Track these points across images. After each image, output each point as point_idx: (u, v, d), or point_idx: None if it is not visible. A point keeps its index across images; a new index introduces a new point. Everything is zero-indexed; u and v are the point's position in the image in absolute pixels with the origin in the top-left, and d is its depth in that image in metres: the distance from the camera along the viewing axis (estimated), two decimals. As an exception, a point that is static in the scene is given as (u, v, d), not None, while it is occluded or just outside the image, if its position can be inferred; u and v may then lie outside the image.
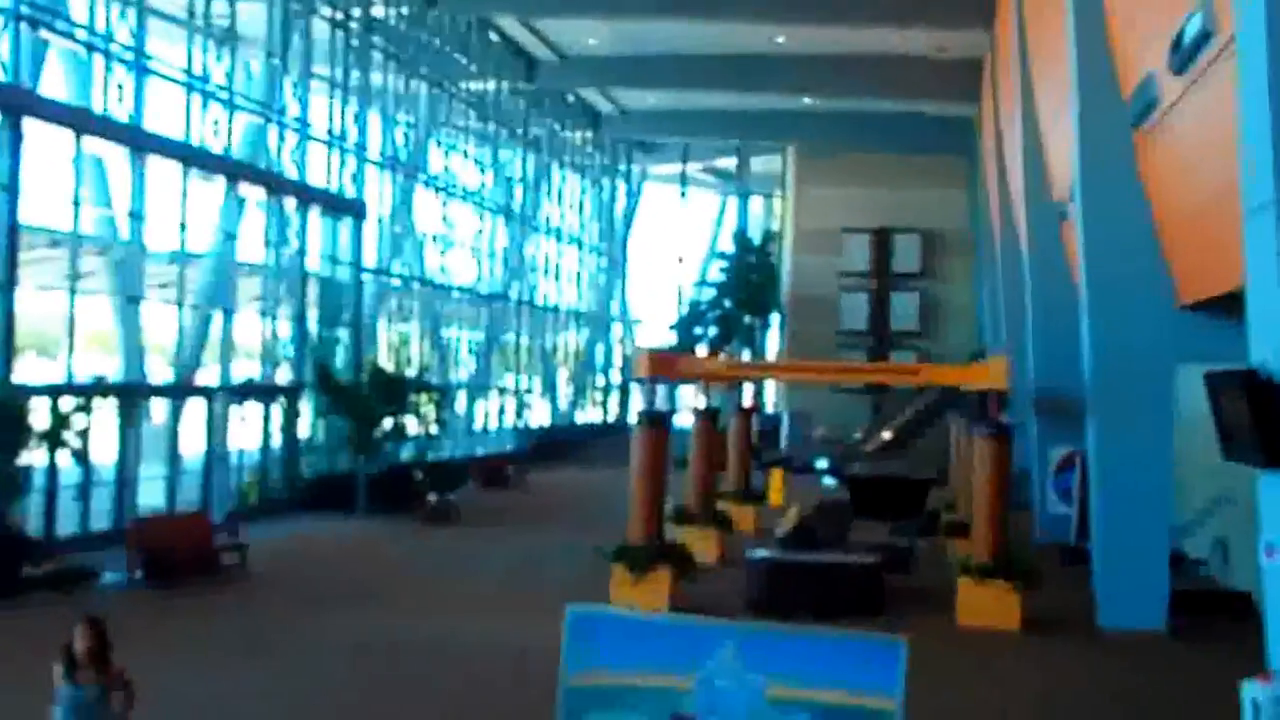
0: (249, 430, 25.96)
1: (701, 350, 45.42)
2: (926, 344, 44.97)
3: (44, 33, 20.86)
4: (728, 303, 47.18)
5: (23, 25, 19.90)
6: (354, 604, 16.72)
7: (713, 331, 47.07)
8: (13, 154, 19.13)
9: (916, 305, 45.86)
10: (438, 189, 35.81)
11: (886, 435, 36.70)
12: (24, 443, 17.63)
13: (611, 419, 50.60)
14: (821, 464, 38.65)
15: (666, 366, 19.95)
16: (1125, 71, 15.99)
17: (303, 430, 28.00)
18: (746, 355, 46.57)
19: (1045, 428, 24.35)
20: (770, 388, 48.88)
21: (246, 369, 26.86)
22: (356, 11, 30.72)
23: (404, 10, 33.10)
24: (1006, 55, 28.09)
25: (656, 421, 17.94)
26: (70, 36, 21.45)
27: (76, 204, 20.87)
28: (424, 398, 30.13)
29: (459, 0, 34.63)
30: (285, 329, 27.53)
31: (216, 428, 24.35)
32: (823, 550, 18.33)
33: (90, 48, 21.89)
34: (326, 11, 29.64)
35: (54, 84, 21.45)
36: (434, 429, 30.64)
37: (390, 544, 22.95)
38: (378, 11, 31.74)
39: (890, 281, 46.12)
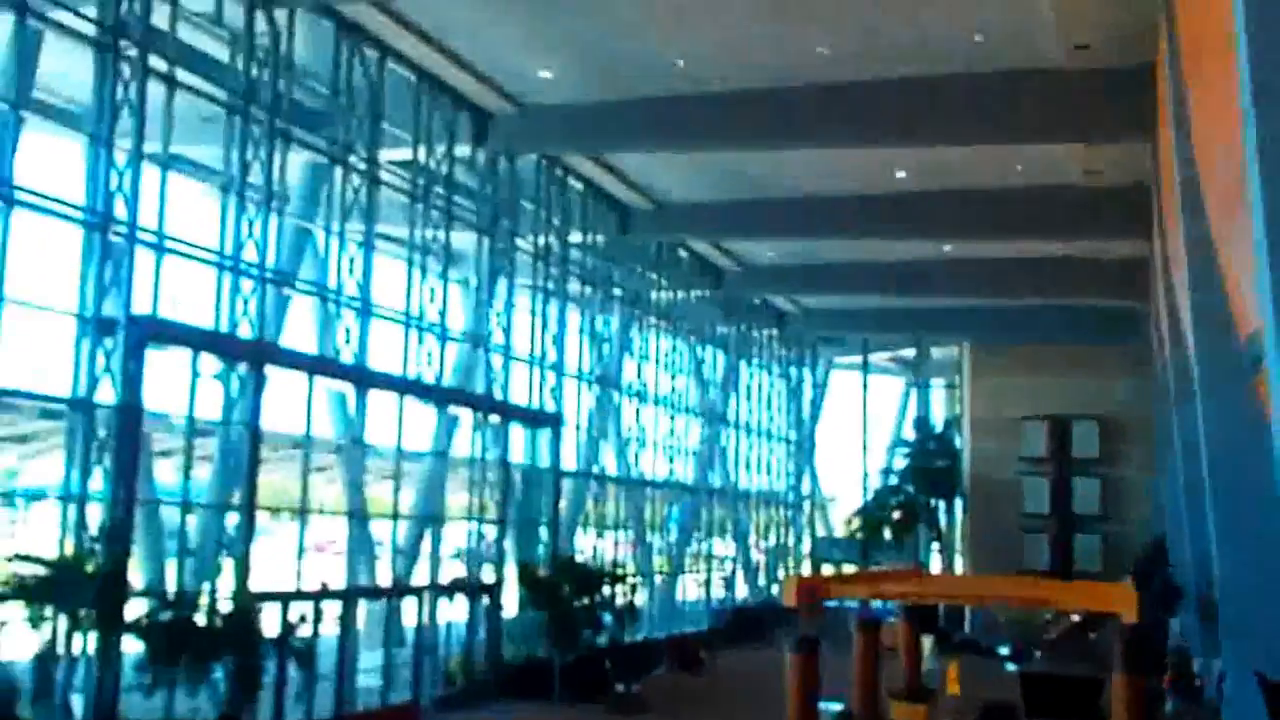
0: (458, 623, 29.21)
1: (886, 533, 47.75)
2: (1110, 526, 46.06)
3: (285, 290, 25.20)
4: (911, 488, 49.05)
5: (268, 286, 24.15)
6: None
7: (896, 515, 48.95)
8: (256, 394, 23.01)
9: (1098, 490, 46.93)
10: (632, 395, 39.40)
11: (1075, 618, 37.53)
12: (257, 646, 20.99)
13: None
14: (1004, 650, 39.79)
15: (817, 589, 21.33)
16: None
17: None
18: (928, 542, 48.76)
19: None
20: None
21: (456, 569, 30.29)
22: (555, 243, 34.76)
23: (599, 238, 37.08)
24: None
25: (808, 647, 18.82)
26: (308, 292, 25.80)
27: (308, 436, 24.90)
28: (618, 586, 33.09)
29: (649, 226, 38.41)
30: (490, 530, 30.88)
31: (424, 623, 27.56)
32: None
33: (323, 298, 26.18)
34: (528, 242, 33.73)
35: (296, 331, 25.84)
36: (625, 616, 33.17)
37: None
38: (574, 238, 35.82)
39: (1070, 466, 47.34)
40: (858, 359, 55.67)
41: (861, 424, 55.20)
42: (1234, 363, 16.48)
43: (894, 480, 50.33)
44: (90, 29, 20.42)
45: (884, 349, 56.39)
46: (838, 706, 23.18)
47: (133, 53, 20.67)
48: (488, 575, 30.35)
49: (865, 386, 55.41)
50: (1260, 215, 7.88)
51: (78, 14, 20.35)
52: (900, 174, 33.66)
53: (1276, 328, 7.95)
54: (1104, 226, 34.41)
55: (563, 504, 34.12)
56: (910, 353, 55.73)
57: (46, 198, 19.62)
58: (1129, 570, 36.91)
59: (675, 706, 29.05)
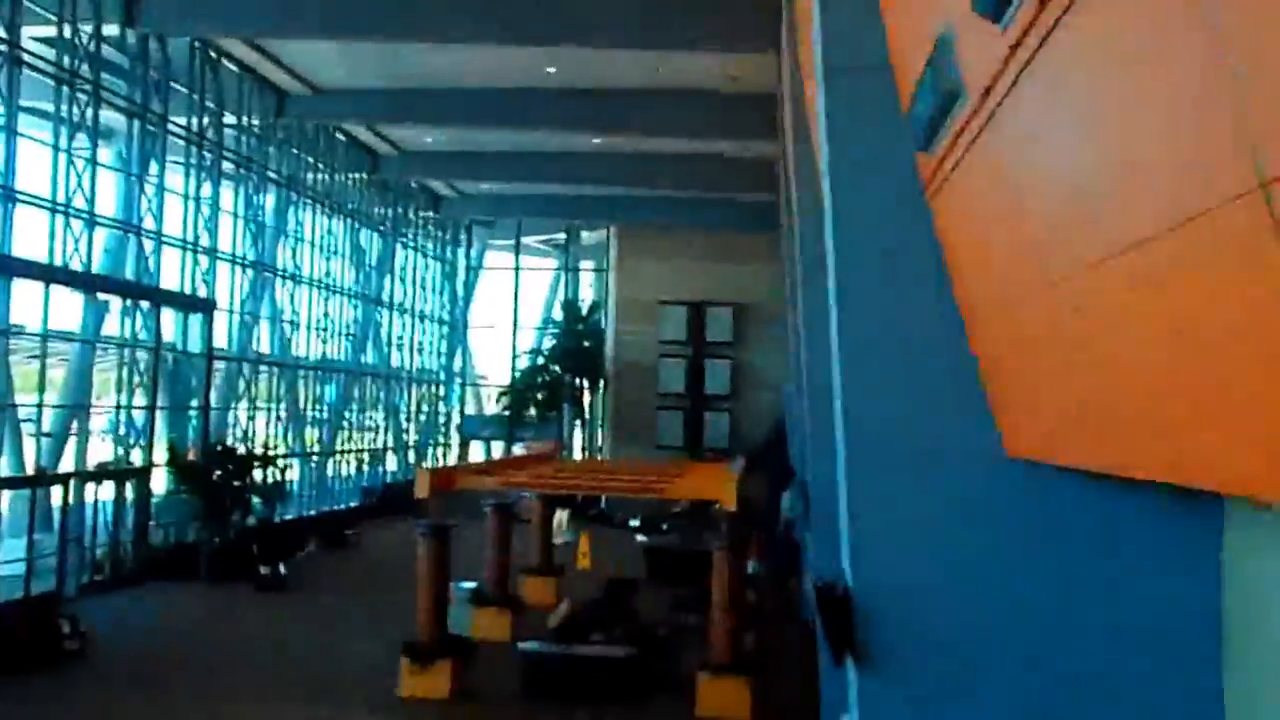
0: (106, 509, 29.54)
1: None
2: (738, 406, 49.59)
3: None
4: (558, 367, 51.29)
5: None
6: (166, 689, 19.53)
7: (541, 395, 51.17)
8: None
9: (729, 372, 50.18)
10: (287, 278, 39.87)
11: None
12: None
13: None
14: (635, 523, 42.90)
15: (446, 481, 22.06)
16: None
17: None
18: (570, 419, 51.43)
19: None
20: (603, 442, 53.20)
21: (103, 452, 30.53)
22: (209, 126, 34.65)
23: (254, 120, 37.12)
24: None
25: (438, 534, 20.40)
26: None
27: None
28: (268, 468, 34.00)
29: (306, 111, 38.63)
30: (139, 415, 31.16)
31: (73, 511, 27.86)
32: (588, 643, 20.49)
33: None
34: (180, 124, 33.52)
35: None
36: (275, 496, 34.15)
37: (219, 618, 25.90)
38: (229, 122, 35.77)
39: (705, 350, 50.37)
40: (511, 242, 57.25)
41: (513, 306, 56.93)
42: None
43: (542, 360, 52.41)
44: None
45: (537, 233, 58.14)
46: (471, 585, 25.08)
47: None
48: (137, 460, 30.73)
49: (517, 270, 57.12)
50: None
51: None
52: (550, 69, 34.97)
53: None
54: (739, 128, 36.46)
55: (215, 389, 34.60)
56: (562, 237, 57.68)
57: None
58: (750, 450, 40.32)
59: (319, 585, 30.32)
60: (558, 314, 54.99)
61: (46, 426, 28.31)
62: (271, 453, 36.21)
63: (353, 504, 43.39)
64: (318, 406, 43.03)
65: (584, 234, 57.03)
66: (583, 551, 34.50)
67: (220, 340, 35.26)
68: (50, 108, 28.44)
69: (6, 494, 27.69)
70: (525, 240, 57.63)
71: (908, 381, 8.63)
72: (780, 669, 20.87)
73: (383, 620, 24.18)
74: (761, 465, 36.27)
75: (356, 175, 45.16)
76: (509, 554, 26.44)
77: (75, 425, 29.03)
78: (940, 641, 8.49)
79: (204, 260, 33.99)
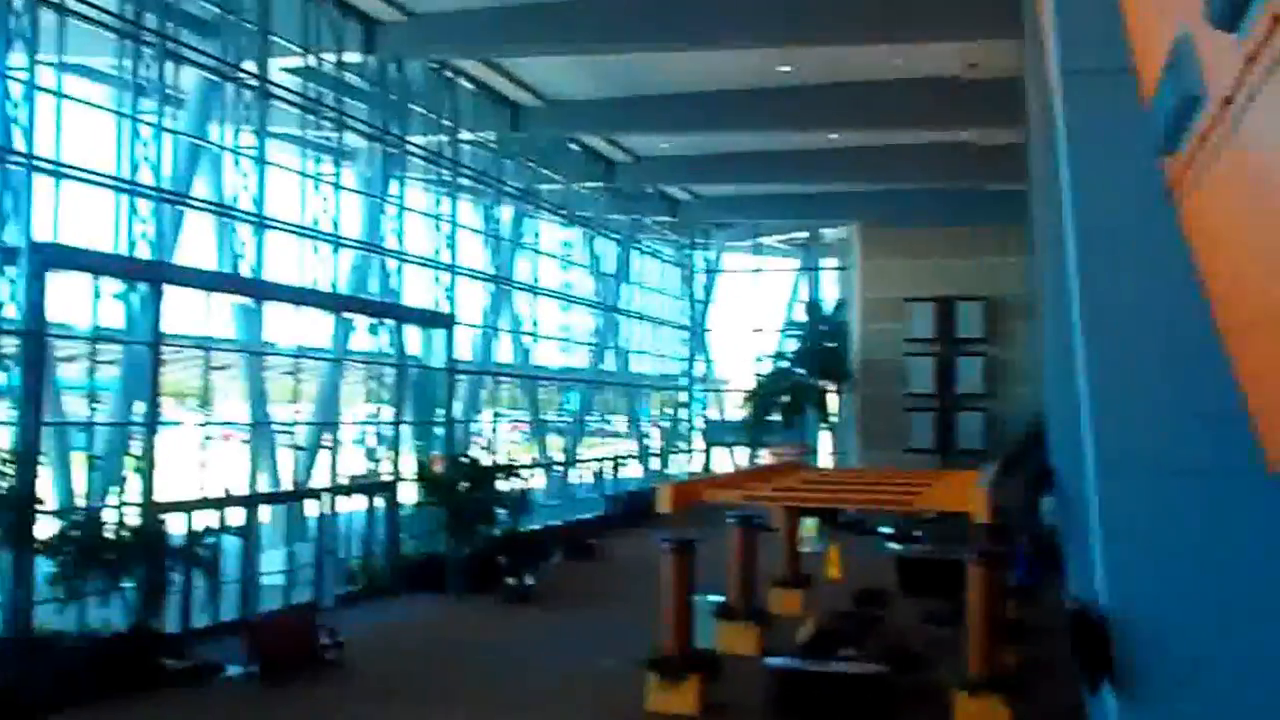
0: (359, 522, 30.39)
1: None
2: (992, 405, 47.82)
3: (181, 207, 25.78)
4: (802, 370, 50.55)
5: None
6: (419, 698, 20.09)
7: (786, 398, 50.46)
8: (155, 313, 23.67)
9: (981, 369, 48.23)
10: (526, 290, 40.49)
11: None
12: (163, 556, 22.02)
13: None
14: (886, 530, 41.73)
15: (687, 496, 21.85)
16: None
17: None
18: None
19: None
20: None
21: (355, 469, 31.37)
22: (446, 143, 35.39)
23: (490, 135, 37.77)
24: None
25: (682, 549, 20.14)
26: (203, 208, 26.45)
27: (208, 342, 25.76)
28: (511, 479, 34.34)
29: (541, 123, 39.06)
30: (387, 430, 31.92)
31: (325, 523, 28.71)
32: (837, 659, 19.71)
33: (219, 214, 26.81)
34: (420, 146, 34.33)
35: (196, 243, 26.50)
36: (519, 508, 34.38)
37: (467, 629, 26.33)
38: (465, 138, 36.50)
39: (955, 347, 48.57)
40: (750, 243, 56.79)
41: (754, 308, 56.40)
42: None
43: (785, 363, 51.80)
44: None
45: (776, 233, 57.59)
46: (718, 598, 24.72)
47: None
48: (386, 474, 31.46)
49: (757, 271, 56.68)
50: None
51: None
52: (783, 68, 34.52)
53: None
54: (982, 116, 35.51)
55: (459, 400, 35.24)
56: (802, 235, 56.96)
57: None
58: (1006, 452, 38.76)
59: (564, 596, 30.44)
60: (800, 314, 54.25)
61: (300, 441, 29.32)
62: (514, 463, 36.63)
63: (596, 513, 43.60)
64: (559, 416, 43.50)
65: (825, 231, 56.11)
66: (831, 561, 33.72)
67: (464, 352, 35.92)
68: (296, 144, 29.52)
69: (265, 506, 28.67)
70: (764, 240, 57.18)
71: (1161, 393, 8.01)
72: (1043, 688, 19.80)
73: (627, 632, 23.90)
74: (1019, 466, 34.83)
75: (591, 184, 45.43)
76: (754, 566, 25.82)
77: (326, 438, 29.93)
78: (1206, 670, 8.03)
79: (445, 275, 34.62)
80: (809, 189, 48.49)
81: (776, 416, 50.19)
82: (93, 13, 23.28)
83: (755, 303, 56.58)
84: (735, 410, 55.22)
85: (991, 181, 42.97)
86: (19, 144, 20.98)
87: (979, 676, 18.68)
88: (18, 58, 21.14)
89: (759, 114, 36.89)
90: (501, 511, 32.75)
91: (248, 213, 26.95)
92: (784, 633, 23.29)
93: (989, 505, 19.05)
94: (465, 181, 36.63)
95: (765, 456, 48.69)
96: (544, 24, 30.37)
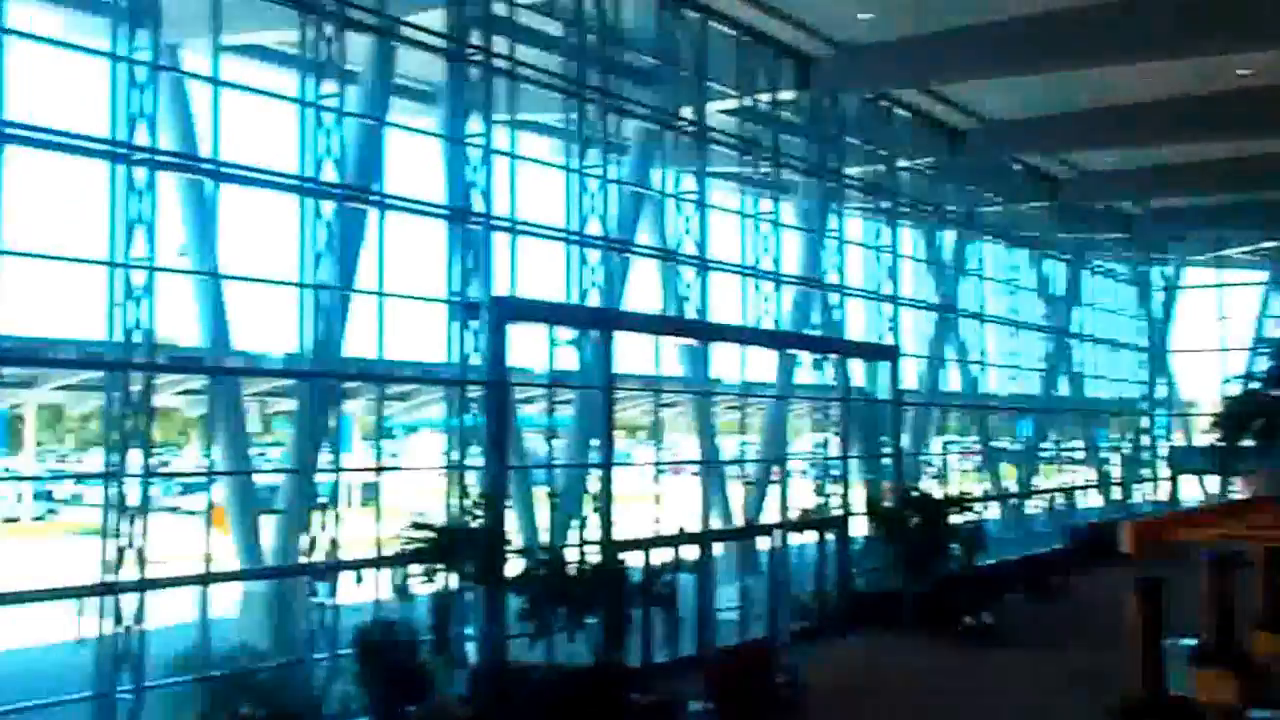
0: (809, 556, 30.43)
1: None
2: None
3: (627, 254, 26.79)
4: (1277, 392, 46.75)
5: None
6: None
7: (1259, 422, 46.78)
8: (606, 357, 24.66)
9: None
10: (970, 317, 39.58)
11: None
12: (624, 594, 22.68)
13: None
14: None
15: (1154, 534, 20.78)
16: None
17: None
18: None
19: None
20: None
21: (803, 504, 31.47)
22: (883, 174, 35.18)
23: (927, 162, 37.28)
24: None
25: (1152, 589, 18.88)
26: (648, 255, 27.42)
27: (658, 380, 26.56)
28: (964, 513, 33.44)
29: (980, 146, 38.16)
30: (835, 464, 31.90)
31: (777, 559, 28.88)
32: None
33: (663, 259, 27.68)
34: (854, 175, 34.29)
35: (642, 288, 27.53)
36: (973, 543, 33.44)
37: (924, 669, 25.42)
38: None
39: None
40: (1211, 256, 53.34)
41: (1219, 325, 52.94)
42: None
43: (1256, 384, 48.08)
44: (438, 40, 22.29)
45: (1242, 244, 53.79)
46: (1191, 641, 23.07)
47: (478, 57, 22.45)
48: (836, 508, 31.38)
49: (1220, 285, 53.13)
50: None
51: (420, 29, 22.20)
52: (1243, 71, 32.31)
53: None
54: None
55: (906, 431, 34.76)
56: (1271, 245, 52.94)
57: (412, 201, 21.73)
58: None
59: (1027, 637, 29.16)
60: (1272, 330, 50.35)
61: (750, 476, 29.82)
62: (966, 496, 35.72)
63: (1053, 547, 41.75)
64: (1011, 445, 42.13)
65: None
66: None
67: (910, 381, 35.46)
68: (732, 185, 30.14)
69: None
70: (1229, 253, 53.47)
71: None
72: None
73: (1094, 676, 22.61)
74: None
75: (1036, 204, 43.90)
76: (1232, 607, 23.98)
77: (775, 472, 30.23)
78: None
79: (887, 307, 34.29)
80: (1276, 195, 44.99)
81: (1250, 442, 46.50)
82: (540, 76, 24.55)
83: (1220, 320, 52.99)
84: (1203, 435, 51.76)
85: None
86: (478, 205, 22.33)
87: None
88: (474, 124, 22.55)
89: (1215, 119, 34.65)
90: (955, 547, 31.96)
91: (690, 256, 27.65)
92: (1271, 681, 21.42)
93: None
94: (904, 209, 36.23)
95: (1239, 486, 45.26)
96: (982, 46, 29.68)
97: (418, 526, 20.72)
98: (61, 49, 18.67)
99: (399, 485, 23.86)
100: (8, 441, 37.54)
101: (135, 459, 17.77)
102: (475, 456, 22.07)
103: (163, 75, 18.26)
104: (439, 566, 20.40)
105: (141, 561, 17.59)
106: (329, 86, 20.38)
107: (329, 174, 20.36)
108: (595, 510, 23.90)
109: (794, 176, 32.25)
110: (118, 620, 17.39)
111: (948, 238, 38.98)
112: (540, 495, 24.26)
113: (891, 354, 33.67)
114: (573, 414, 24.94)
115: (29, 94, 17.09)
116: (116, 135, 17.64)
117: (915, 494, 32.49)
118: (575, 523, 24.16)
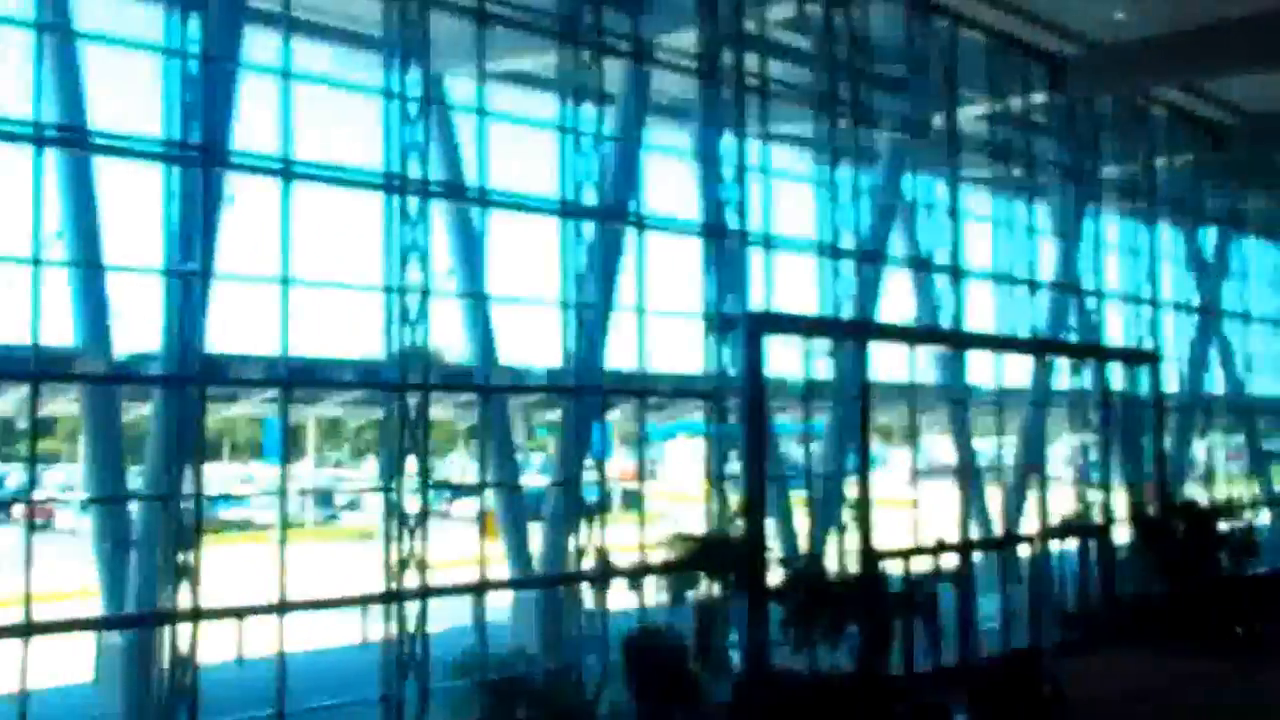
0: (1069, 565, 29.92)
1: None
2: None
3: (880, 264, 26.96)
4: None
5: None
6: None
7: None
8: (861, 368, 24.83)
9: None
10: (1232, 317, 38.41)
11: None
12: (885, 604, 22.82)
13: None
14: None
15: None
16: None
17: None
18: None
19: None
20: None
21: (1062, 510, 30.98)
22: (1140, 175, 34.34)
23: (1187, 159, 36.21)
24: None
25: None
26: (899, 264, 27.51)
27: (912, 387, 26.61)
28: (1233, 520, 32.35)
29: (1244, 141, 36.84)
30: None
31: (1039, 567, 28.47)
32: None
33: (914, 268, 27.73)
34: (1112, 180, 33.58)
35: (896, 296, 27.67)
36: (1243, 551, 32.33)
37: (1189, 682, 24.41)
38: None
39: None
40: None
41: None
42: None
43: None
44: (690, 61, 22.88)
45: None
46: None
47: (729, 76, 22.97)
48: (1097, 515, 30.78)
49: None
50: None
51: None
52: None
53: None
54: None
55: (1168, 435, 33.80)
56: None
57: (668, 219, 22.39)
58: None
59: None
60: None
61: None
62: (1235, 502, 34.49)
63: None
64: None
65: None
66: None
67: (1172, 384, 34.51)
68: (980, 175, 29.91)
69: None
70: None
71: None
72: None
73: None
74: None
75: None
76: None
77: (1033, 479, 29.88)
78: None
79: (1146, 310, 33.48)
80: None
81: None
82: (791, 91, 24.92)
83: None
84: None
85: None
86: (732, 221, 22.82)
87: None
88: (727, 141, 23.06)
89: None
90: (1223, 555, 30.98)
91: (943, 265, 27.61)
92: None
93: None
94: (1163, 210, 35.25)
95: None
96: (1246, 39, 28.65)
97: (680, 539, 21.32)
98: (337, 88, 19.93)
99: (657, 489, 24.54)
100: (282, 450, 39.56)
101: (410, 468, 18.75)
102: (733, 461, 22.42)
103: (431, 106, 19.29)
104: (702, 575, 20.99)
105: (422, 569, 18.60)
106: (588, 110, 21.15)
107: (589, 197, 21.12)
108: (854, 518, 24.07)
109: (1047, 180, 31.79)
110: (401, 625, 18.41)
111: (1210, 237, 37.68)
112: (797, 498, 24.58)
113: (1152, 359, 32.84)
114: (828, 419, 25.12)
115: (305, 131, 18.30)
116: (390, 168, 18.71)
117: (1180, 501, 31.62)
118: (834, 528, 24.34)
